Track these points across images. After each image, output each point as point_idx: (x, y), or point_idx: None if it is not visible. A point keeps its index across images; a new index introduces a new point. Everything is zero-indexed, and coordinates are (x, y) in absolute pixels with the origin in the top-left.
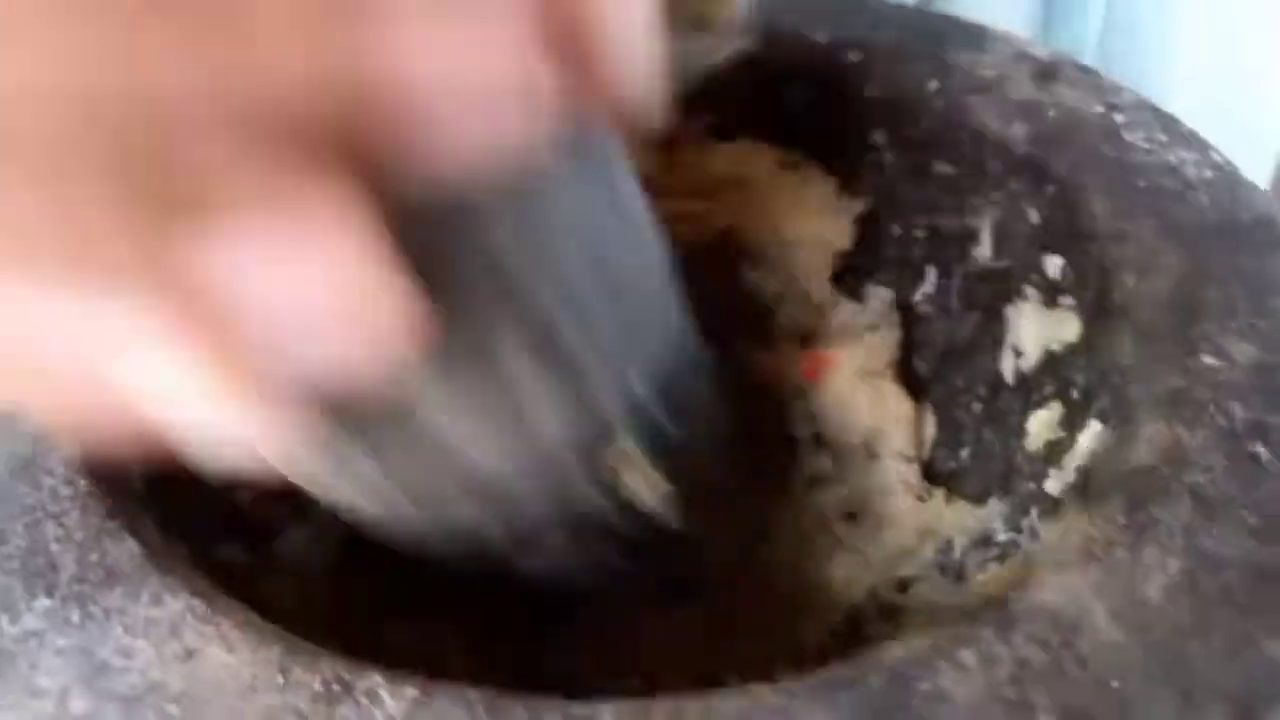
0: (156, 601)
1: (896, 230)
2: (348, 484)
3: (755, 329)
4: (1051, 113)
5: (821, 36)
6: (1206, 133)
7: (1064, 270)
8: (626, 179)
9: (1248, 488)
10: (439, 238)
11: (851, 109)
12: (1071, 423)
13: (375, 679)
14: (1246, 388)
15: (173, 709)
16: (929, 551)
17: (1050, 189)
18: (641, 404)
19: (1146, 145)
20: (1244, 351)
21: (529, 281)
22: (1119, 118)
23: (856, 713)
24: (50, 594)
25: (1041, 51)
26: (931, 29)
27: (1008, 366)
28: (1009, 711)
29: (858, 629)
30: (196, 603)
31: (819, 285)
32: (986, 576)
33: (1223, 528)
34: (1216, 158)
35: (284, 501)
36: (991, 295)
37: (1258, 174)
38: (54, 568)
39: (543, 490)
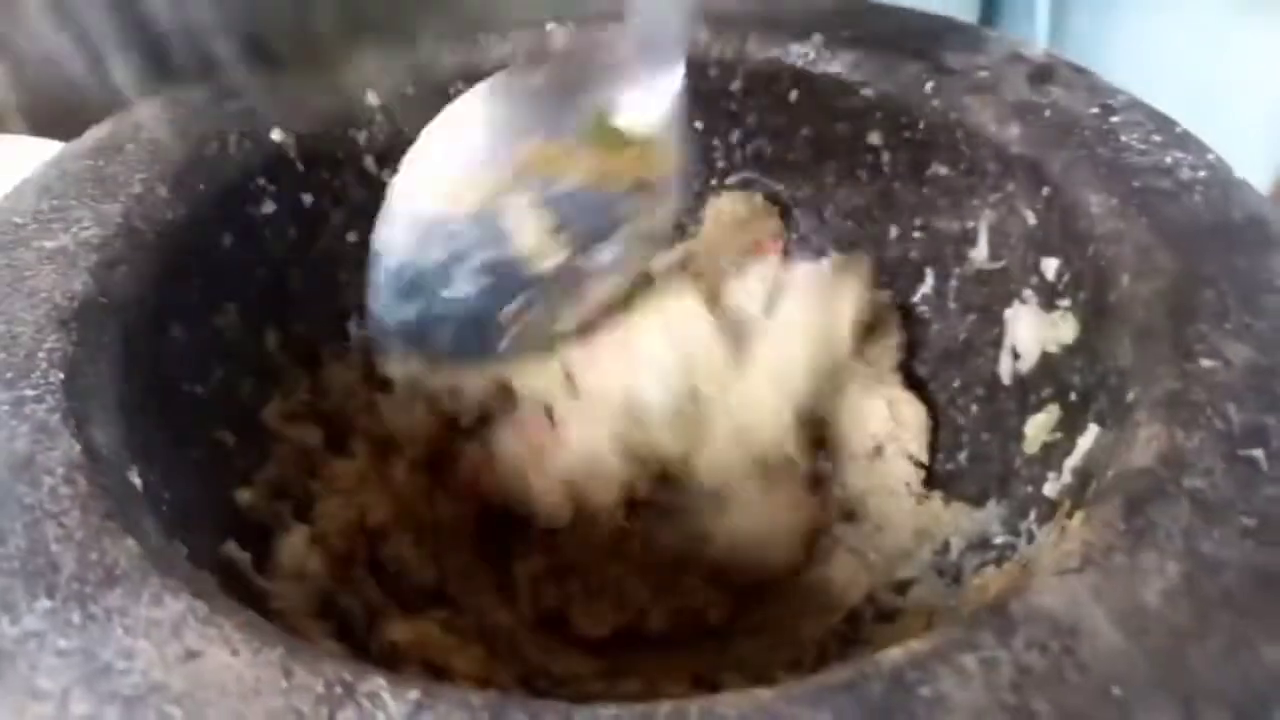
0: (157, 602)
1: (894, 232)
2: None
3: None
4: (1047, 114)
5: (818, 37)
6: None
7: (1060, 271)
8: None
9: (1245, 491)
10: None
11: (848, 110)
12: (1069, 425)
13: (378, 682)
14: (1242, 389)
15: (175, 711)
16: (926, 553)
17: (1046, 190)
18: None
19: (1141, 146)
20: (1239, 353)
21: None
22: (1114, 119)
23: (857, 717)
24: (51, 595)
25: (1036, 53)
26: (928, 30)
27: (1005, 368)
28: (1010, 717)
29: (856, 630)
30: (198, 604)
31: None
32: (984, 579)
33: (1221, 531)
34: (1210, 157)
35: (284, 501)
36: (989, 297)
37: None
38: (54, 568)
39: None
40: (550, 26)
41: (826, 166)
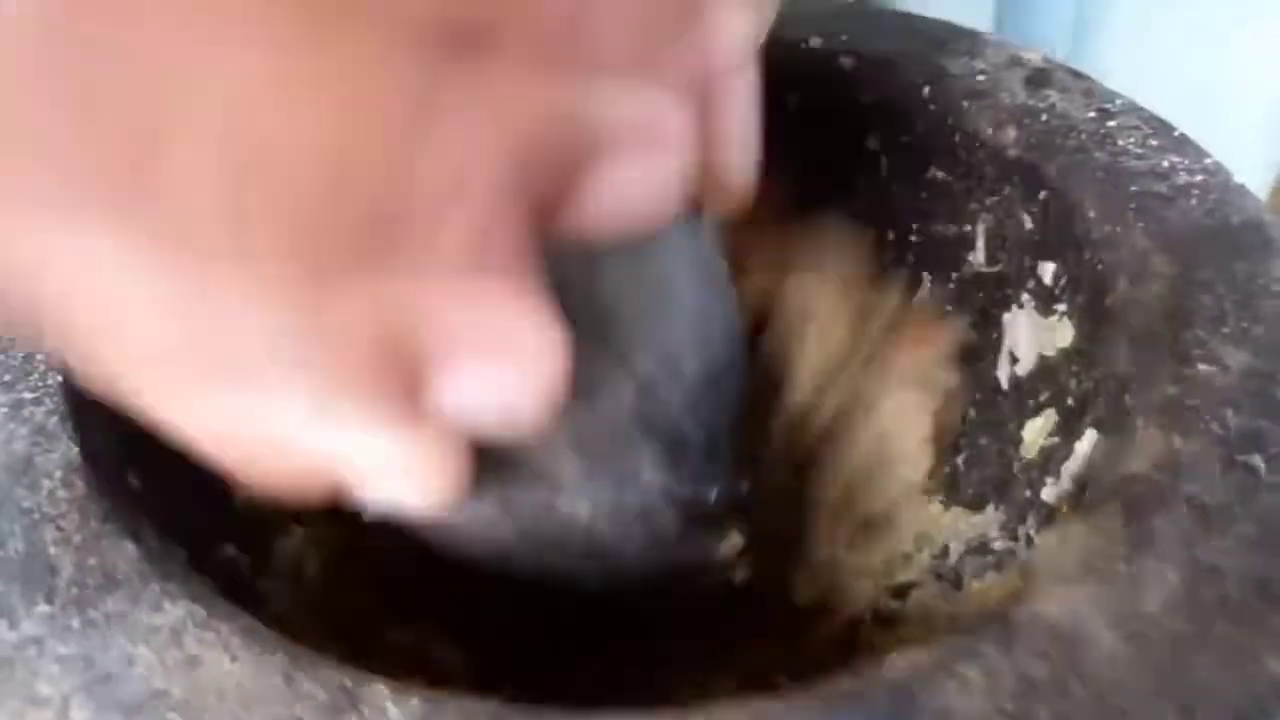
0: (156, 607)
1: (891, 235)
2: (465, 522)
3: None
4: (1044, 118)
5: (816, 41)
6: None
7: (1058, 276)
8: (715, 252)
9: (1244, 498)
10: (566, 280)
11: (846, 114)
12: (1067, 430)
13: (380, 689)
14: (1240, 395)
15: (175, 718)
16: (925, 558)
17: (1043, 194)
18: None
19: (1138, 150)
20: (1236, 357)
21: (634, 334)
22: (1111, 123)
23: None
24: (50, 599)
25: (1034, 57)
26: (925, 34)
27: (1003, 373)
28: None
29: (856, 636)
30: (197, 609)
31: None
32: (984, 585)
33: (1220, 538)
34: (1208, 161)
35: (282, 503)
36: (986, 301)
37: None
38: (53, 572)
39: (638, 548)
40: None
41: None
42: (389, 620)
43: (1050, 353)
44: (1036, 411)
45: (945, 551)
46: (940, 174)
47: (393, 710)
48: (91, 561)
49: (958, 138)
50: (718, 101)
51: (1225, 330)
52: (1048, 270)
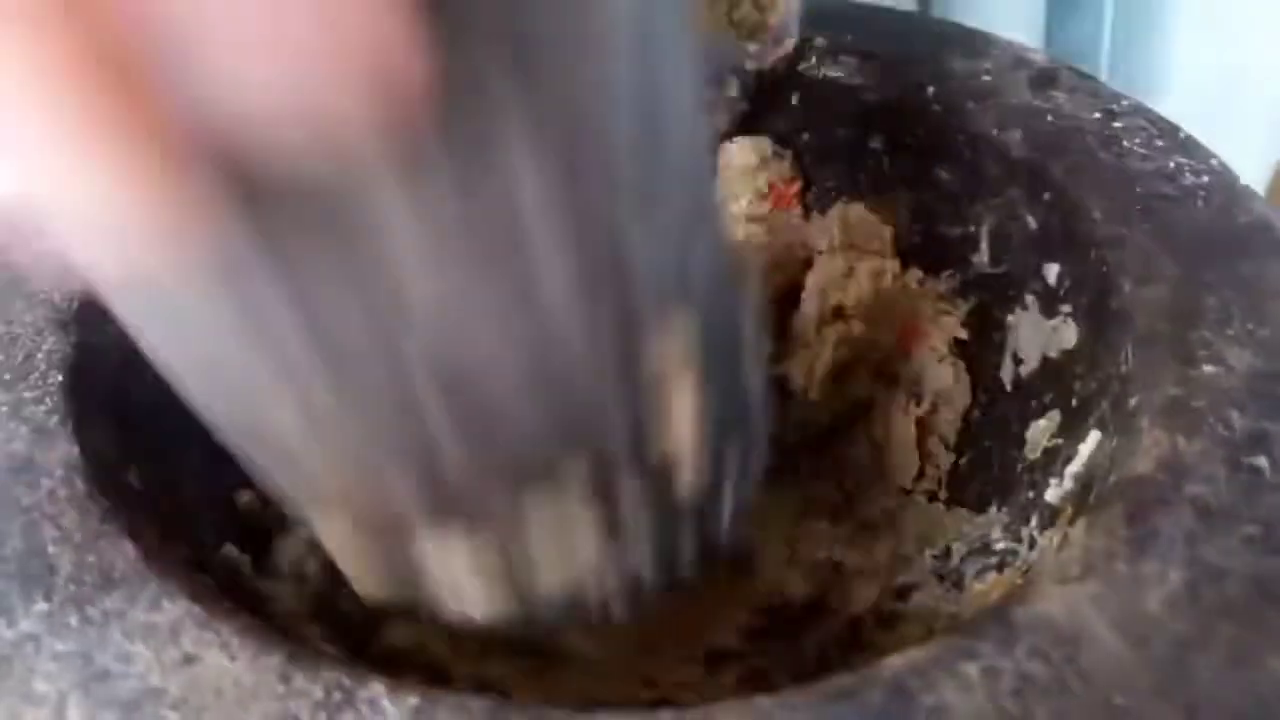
0: (155, 606)
1: (895, 235)
2: (243, 345)
3: None
4: (1049, 119)
5: (820, 42)
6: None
7: (1062, 277)
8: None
9: (1248, 498)
10: None
11: (850, 115)
12: (1071, 431)
13: (377, 687)
14: (1245, 396)
15: (172, 715)
16: (927, 558)
17: (1048, 195)
18: (699, 296)
19: (1144, 151)
20: (1241, 358)
21: (561, 81)
22: (1116, 124)
23: None
24: (48, 597)
25: (1039, 57)
26: (930, 34)
27: (1007, 373)
28: None
29: (857, 636)
30: (196, 607)
31: None
32: (985, 585)
33: (1223, 539)
34: (1214, 163)
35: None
36: (991, 302)
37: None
38: (51, 570)
39: (546, 406)
40: None
41: (827, 170)
42: (389, 620)
43: (1054, 354)
44: (1040, 412)
45: (947, 552)
46: (944, 175)
47: (390, 708)
48: (90, 560)
49: (962, 138)
50: None
51: (1230, 332)
52: (1052, 271)
